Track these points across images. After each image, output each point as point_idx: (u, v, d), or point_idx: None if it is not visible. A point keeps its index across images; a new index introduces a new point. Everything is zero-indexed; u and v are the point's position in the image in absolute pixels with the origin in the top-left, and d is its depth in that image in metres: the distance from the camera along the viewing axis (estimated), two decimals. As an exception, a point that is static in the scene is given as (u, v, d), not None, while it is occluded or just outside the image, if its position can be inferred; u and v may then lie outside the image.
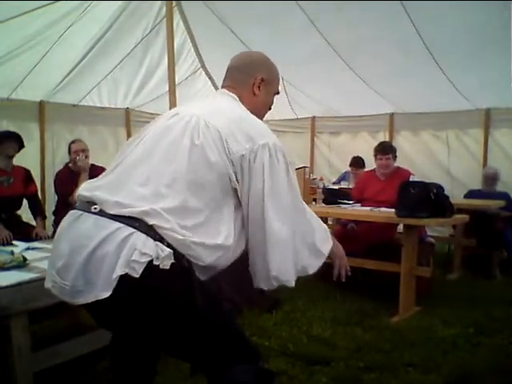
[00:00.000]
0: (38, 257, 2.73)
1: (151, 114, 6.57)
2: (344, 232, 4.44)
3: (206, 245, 1.43)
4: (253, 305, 3.51)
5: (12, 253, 2.58)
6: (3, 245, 3.32)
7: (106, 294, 1.32)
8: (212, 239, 1.45)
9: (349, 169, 5.97)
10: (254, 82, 1.72)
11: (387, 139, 6.46)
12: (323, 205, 4.38)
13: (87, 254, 1.35)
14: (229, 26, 5.24)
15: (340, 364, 2.71)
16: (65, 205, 4.26)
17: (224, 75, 1.79)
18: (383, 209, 3.95)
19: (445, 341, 3.07)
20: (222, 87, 1.76)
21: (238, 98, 1.69)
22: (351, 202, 4.35)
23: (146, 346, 1.70)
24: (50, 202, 4.88)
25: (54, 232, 4.18)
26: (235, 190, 1.50)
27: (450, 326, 3.34)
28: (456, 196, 5.20)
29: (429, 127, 6.49)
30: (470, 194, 5.50)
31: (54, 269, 1.46)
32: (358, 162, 5.76)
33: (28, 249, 2.91)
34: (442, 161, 6.38)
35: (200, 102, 1.85)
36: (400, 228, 3.99)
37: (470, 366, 2.69)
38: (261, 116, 1.73)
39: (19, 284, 2.26)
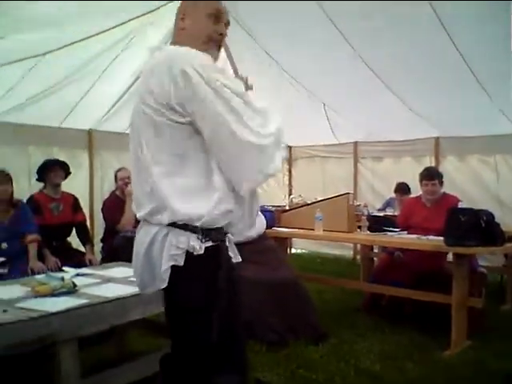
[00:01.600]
0: (88, 283, 2.78)
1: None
2: (391, 261, 4.32)
3: (196, 195, 1.51)
4: (299, 336, 3.44)
5: (62, 279, 2.63)
6: (53, 271, 3.40)
7: (164, 285, 1.54)
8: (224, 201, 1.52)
9: (393, 195, 5.85)
10: (177, 21, 1.68)
11: (433, 164, 6.31)
12: (368, 232, 4.29)
13: (142, 258, 1.61)
14: (268, 53, 5.31)
15: (390, 399, 2.61)
16: (113, 232, 4.37)
17: None
18: (431, 237, 3.82)
19: (498, 375, 2.94)
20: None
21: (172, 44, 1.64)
22: (397, 229, 4.24)
23: None
24: (99, 228, 5.00)
25: (103, 259, 4.29)
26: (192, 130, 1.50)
27: (503, 359, 3.18)
28: (507, 223, 4.99)
29: (476, 151, 6.30)
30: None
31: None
32: (403, 188, 5.64)
33: (78, 275, 2.97)
34: (491, 186, 6.15)
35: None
36: (449, 257, 3.85)
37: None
38: (206, 49, 1.59)
39: (68, 310, 2.29)
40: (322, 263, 6.97)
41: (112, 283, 2.81)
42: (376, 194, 7.11)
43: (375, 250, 5.42)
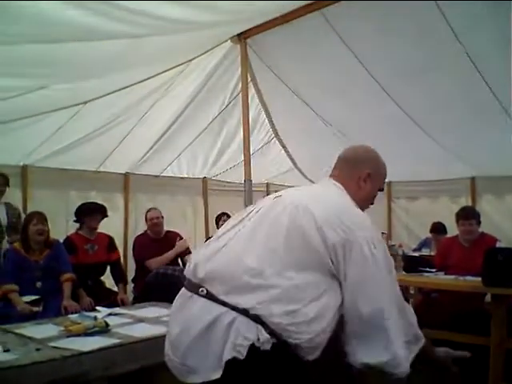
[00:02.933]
0: (120, 322, 2.81)
1: (227, 182, 6.82)
2: (427, 302, 4.20)
3: (299, 326, 1.46)
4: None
5: (95, 318, 2.67)
6: (87, 310, 3.45)
7: (217, 376, 1.42)
8: (312, 320, 1.48)
9: (429, 235, 5.74)
10: (360, 175, 1.80)
11: (469, 204, 6.18)
12: (404, 273, 4.19)
13: (194, 337, 1.48)
14: (301, 97, 5.40)
15: None
16: (142, 269, 4.44)
17: (334, 165, 1.90)
18: (468, 277, 3.71)
19: None
20: (330, 176, 1.86)
21: (343, 188, 1.75)
22: (434, 269, 4.13)
23: None
24: (131, 270, 5.08)
25: (135, 298, 4.33)
26: (333, 275, 1.53)
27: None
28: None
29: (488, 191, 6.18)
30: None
31: (168, 345, 1.61)
32: (439, 228, 5.53)
33: (110, 314, 3.01)
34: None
35: (306, 188, 1.92)
36: (488, 298, 3.72)
37: None
38: (362, 208, 1.76)
39: (101, 349, 2.32)
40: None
41: (144, 323, 2.84)
42: (411, 235, 6.99)
43: (411, 292, 5.27)
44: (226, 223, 1.81)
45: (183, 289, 1.67)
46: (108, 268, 4.49)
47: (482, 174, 6.24)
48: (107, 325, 2.63)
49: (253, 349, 1.41)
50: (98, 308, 3.26)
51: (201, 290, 1.56)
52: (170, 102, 5.00)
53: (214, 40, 4.44)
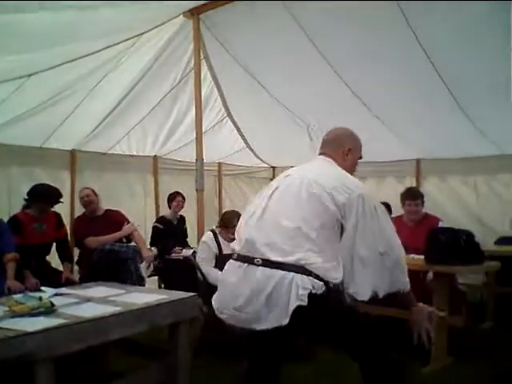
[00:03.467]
0: (66, 303, 2.75)
1: (178, 161, 6.73)
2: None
3: (334, 268, 1.99)
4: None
5: (40, 298, 2.60)
6: (32, 291, 3.35)
7: (286, 321, 1.90)
8: (335, 262, 2.01)
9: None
10: (343, 150, 2.34)
11: (414, 184, 6.40)
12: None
13: (266, 296, 1.94)
14: (254, 76, 5.38)
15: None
16: (85, 251, 4.33)
17: (320, 144, 2.45)
18: (412, 255, 3.86)
19: None
20: (320, 154, 2.39)
21: (334, 162, 2.29)
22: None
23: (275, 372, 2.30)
24: (76, 252, 4.94)
25: (81, 279, 4.24)
26: (341, 226, 2.04)
27: (482, 377, 3.22)
28: (486, 243, 5.07)
29: (456, 173, 6.42)
30: (501, 241, 5.35)
31: (230, 305, 2.06)
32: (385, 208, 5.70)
33: (56, 295, 2.94)
34: (471, 207, 6.26)
35: (306, 166, 2.36)
36: (430, 276, 3.88)
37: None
38: (350, 173, 2.27)
39: (46, 330, 2.27)
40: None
41: (91, 303, 2.79)
42: (359, 214, 7.16)
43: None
44: (254, 202, 2.32)
45: (234, 261, 2.13)
46: (53, 248, 4.34)
47: (426, 156, 6.46)
48: (52, 305, 2.57)
49: (311, 295, 1.89)
50: (43, 288, 3.17)
51: (256, 260, 2.01)
52: (120, 76, 4.85)
53: (166, 14, 4.33)
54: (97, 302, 2.80)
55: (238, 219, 3.66)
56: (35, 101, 4.56)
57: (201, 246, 3.97)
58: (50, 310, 2.53)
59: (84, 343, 2.38)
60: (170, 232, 5.38)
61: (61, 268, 4.34)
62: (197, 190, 4.52)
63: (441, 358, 3.46)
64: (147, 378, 2.74)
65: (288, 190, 2.14)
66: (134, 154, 6.34)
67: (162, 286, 5.30)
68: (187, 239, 5.70)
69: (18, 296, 2.77)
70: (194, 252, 4.50)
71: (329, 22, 4.16)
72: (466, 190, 6.34)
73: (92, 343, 2.42)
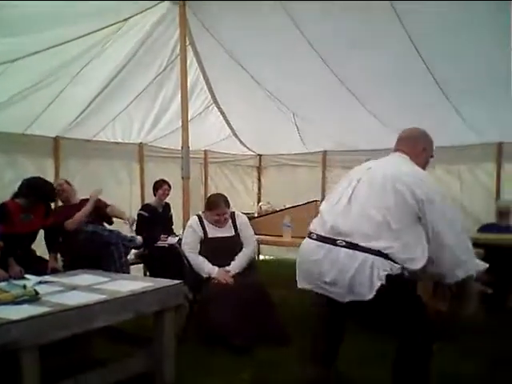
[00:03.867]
0: (51, 291, 2.74)
1: (164, 148, 6.69)
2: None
3: (411, 258, 2.29)
4: (264, 340, 3.46)
5: (24, 287, 2.58)
6: (16, 279, 3.32)
7: (371, 296, 2.25)
8: (413, 254, 2.30)
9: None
10: (419, 149, 2.64)
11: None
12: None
13: (351, 275, 2.27)
14: (240, 63, 5.35)
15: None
16: (66, 237, 4.32)
17: (396, 141, 2.73)
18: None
19: (464, 375, 3.02)
20: (396, 150, 2.67)
21: (409, 159, 2.58)
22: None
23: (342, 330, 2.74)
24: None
25: (64, 267, 4.22)
26: (419, 219, 2.33)
27: (468, 360, 3.28)
28: (470, 230, 5.14)
29: (441, 161, 6.46)
30: (485, 228, 5.43)
31: (319, 280, 2.41)
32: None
33: (40, 283, 2.92)
34: (455, 195, 6.33)
35: (384, 160, 2.64)
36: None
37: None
38: (423, 169, 2.59)
39: (30, 318, 2.26)
40: (290, 269, 6.97)
41: (76, 291, 2.78)
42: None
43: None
44: (335, 189, 2.63)
45: (312, 241, 2.47)
46: (40, 236, 4.30)
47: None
48: (37, 293, 2.56)
49: (388, 276, 2.23)
50: (27, 276, 3.15)
51: (339, 241, 2.33)
52: (105, 62, 4.78)
53: (151, -1, 4.27)
54: (82, 290, 2.79)
55: (225, 202, 3.76)
56: (18, 87, 4.48)
57: (186, 231, 3.98)
58: (34, 298, 2.52)
59: (68, 331, 2.38)
60: (155, 220, 5.37)
61: (46, 256, 4.31)
62: (182, 177, 4.50)
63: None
64: (132, 365, 2.75)
65: (373, 183, 2.42)
66: (120, 141, 6.29)
67: (148, 273, 5.30)
68: (173, 227, 5.69)
69: (1, 284, 2.74)
70: (180, 240, 4.51)
71: (316, 9, 4.14)
72: (450, 178, 6.41)
73: (76, 331, 2.42)
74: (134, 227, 4.65)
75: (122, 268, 4.07)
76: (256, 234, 4.47)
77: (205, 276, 3.73)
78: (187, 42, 4.80)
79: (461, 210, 6.06)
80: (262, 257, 7.93)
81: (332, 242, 2.35)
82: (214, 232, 3.90)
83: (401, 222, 2.30)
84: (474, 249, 3.85)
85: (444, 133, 5.80)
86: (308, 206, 4.48)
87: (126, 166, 6.45)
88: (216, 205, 3.93)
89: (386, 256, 2.26)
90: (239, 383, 2.86)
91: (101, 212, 4.58)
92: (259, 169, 8.41)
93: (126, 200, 6.14)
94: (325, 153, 7.54)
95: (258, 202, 7.24)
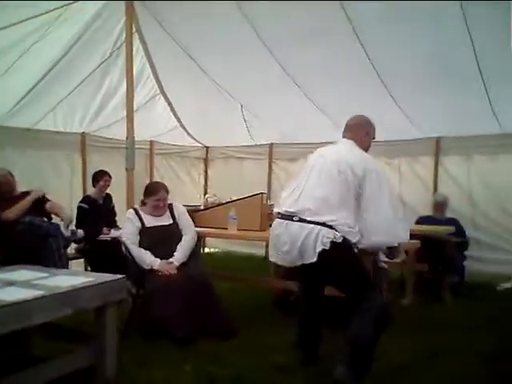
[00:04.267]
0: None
1: (108, 138, 6.52)
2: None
3: (351, 231, 2.74)
4: (208, 333, 3.48)
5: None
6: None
7: (314, 259, 2.70)
8: (353, 228, 2.75)
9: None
10: (362, 134, 3.07)
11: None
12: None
13: (300, 243, 2.73)
14: (188, 53, 5.29)
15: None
16: (2, 229, 4.16)
17: (344, 128, 3.15)
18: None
19: (400, 366, 3.10)
20: (344, 137, 3.09)
21: (355, 144, 2.99)
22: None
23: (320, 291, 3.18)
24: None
25: (1, 262, 4.04)
26: (358, 195, 2.77)
27: (404, 351, 3.38)
28: (408, 222, 5.35)
29: (381, 155, 6.68)
30: (421, 220, 5.67)
31: (279, 250, 2.87)
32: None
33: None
34: (395, 187, 6.55)
35: (333, 147, 3.06)
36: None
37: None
38: (366, 150, 3.03)
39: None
40: (235, 261, 7.06)
41: (14, 287, 2.68)
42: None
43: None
44: (299, 176, 2.99)
45: (278, 219, 2.89)
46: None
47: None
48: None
49: (332, 242, 2.66)
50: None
51: (294, 217, 2.78)
52: (46, 47, 4.58)
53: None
54: (20, 285, 2.69)
55: (164, 189, 3.73)
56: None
57: (125, 223, 3.94)
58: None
59: (6, 328, 2.30)
60: (96, 212, 5.24)
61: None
62: (127, 169, 4.43)
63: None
64: (73, 361, 2.69)
65: (323, 168, 2.85)
66: (61, 130, 6.08)
67: (88, 268, 5.18)
68: (116, 219, 5.58)
69: None
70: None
71: (264, 2, 4.16)
72: (390, 171, 6.62)
73: (14, 328, 2.34)
74: (71, 227, 4.47)
75: (61, 261, 3.96)
76: (202, 226, 4.48)
77: (146, 268, 3.70)
78: (133, 29, 4.70)
79: (400, 203, 6.31)
80: (207, 249, 7.94)
81: (289, 218, 2.80)
82: (151, 221, 3.89)
83: (343, 199, 2.75)
84: (412, 240, 4.09)
85: (385, 126, 5.99)
86: (254, 199, 4.50)
87: (67, 156, 6.23)
88: (156, 190, 3.96)
89: (330, 226, 2.69)
90: (182, 375, 2.86)
91: (41, 206, 4.42)
92: (206, 161, 8.38)
93: (66, 192, 5.94)
94: (271, 145, 7.60)
95: (205, 195, 7.21)
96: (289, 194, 2.94)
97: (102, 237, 5.03)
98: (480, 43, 4.19)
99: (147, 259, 3.72)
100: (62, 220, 4.30)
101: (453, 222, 5.53)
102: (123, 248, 3.88)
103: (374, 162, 2.89)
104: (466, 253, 5.57)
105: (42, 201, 4.41)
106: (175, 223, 3.98)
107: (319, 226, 2.69)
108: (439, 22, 4.12)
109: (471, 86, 4.82)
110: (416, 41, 4.36)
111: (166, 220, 3.96)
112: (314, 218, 2.72)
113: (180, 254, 3.81)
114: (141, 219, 3.89)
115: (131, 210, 3.99)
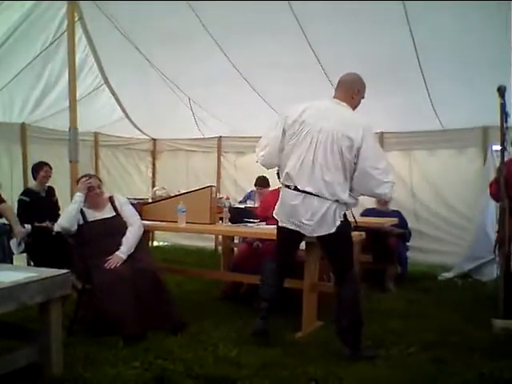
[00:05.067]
0: None
1: (50, 129, 6.28)
2: (250, 250, 4.52)
3: (351, 201, 3.17)
4: (157, 328, 3.43)
5: None
6: None
7: (334, 230, 3.09)
8: (356, 196, 3.20)
9: (254, 188, 6.08)
10: (353, 91, 3.20)
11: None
12: (229, 224, 4.41)
13: (321, 215, 3.07)
14: (133, 43, 5.18)
15: (245, 383, 2.72)
16: None
17: (337, 84, 3.27)
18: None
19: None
20: (335, 97, 3.21)
21: (346, 104, 3.16)
22: (257, 220, 4.43)
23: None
24: None
25: None
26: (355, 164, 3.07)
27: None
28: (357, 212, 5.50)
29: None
30: (366, 212, 5.83)
31: (296, 219, 3.14)
32: (263, 182, 5.89)
33: None
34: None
35: (326, 114, 3.12)
36: (303, 245, 4.12)
37: (370, 378, 2.81)
38: (355, 108, 3.22)
39: None
40: (185, 255, 7.01)
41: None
42: (238, 187, 7.37)
43: (236, 241, 5.60)
44: (293, 150, 3.13)
45: (292, 190, 3.13)
46: None
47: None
48: None
49: (344, 214, 3.14)
50: None
51: (311, 193, 3.07)
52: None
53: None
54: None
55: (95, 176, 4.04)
56: None
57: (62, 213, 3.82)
58: None
59: None
60: (38, 205, 5.03)
61: None
62: (70, 161, 4.29)
63: (311, 322, 3.71)
64: (17, 358, 2.59)
65: (326, 147, 3.03)
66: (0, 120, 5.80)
67: (31, 263, 4.98)
68: (60, 212, 5.38)
69: None
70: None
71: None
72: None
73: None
74: (22, 247, 4.26)
75: (7, 259, 3.80)
76: (150, 219, 4.41)
77: (77, 211, 3.71)
78: (76, 17, 4.54)
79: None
80: (156, 243, 7.83)
81: (307, 192, 3.07)
82: (93, 215, 3.79)
83: (346, 178, 3.07)
84: (357, 232, 4.21)
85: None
86: (203, 192, 4.47)
87: (7, 147, 5.96)
88: (85, 174, 4.01)
89: (342, 203, 3.08)
90: (131, 372, 2.81)
91: None
92: (154, 153, 8.25)
93: (6, 185, 5.67)
94: (220, 138, 7.58)
95: (153, 187, 7.11)
96: (297, 166, 3.10)
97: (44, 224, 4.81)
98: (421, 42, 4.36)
99: (73, 205, 3.73)
100: (12, 234, 4.06)
101: (396, 214, 5.72)
102: (56, 228, 3.76)
103: (365, 119, 3.14)
104: (408, 244, 5.79)
105: None
106: (118, 215, 3.89)
107: (335, 203, 3.06)
108: (381, 20, 4.24)
109: (412, 83, 5.01)
110: (358, 39, 4.47)
111: (108, 213, 3.86)
112: (330, 196, 3.05)
113: (125, 246, 3.71)
114: (82, 213, 3.77)
115: None
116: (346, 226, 3.17)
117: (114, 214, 3.88)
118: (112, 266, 3.54)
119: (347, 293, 3.17)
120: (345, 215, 3.16)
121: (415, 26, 4.18)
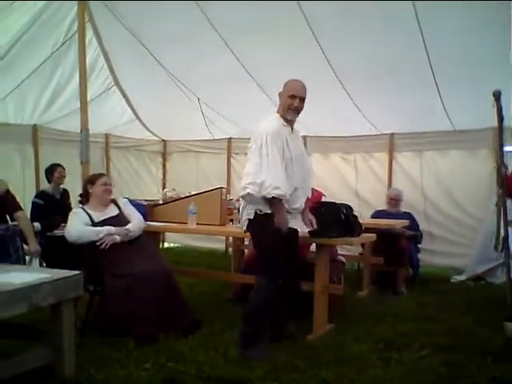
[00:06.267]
0: None
1: (61, 131, 6.33)
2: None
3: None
4: (171, 328, 3.43)
5: None
6: None
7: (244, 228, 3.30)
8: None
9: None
10: (280, 98, 3.33)
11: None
12: (239, 225, 4.40)
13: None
14: (143, 44, 5.20)
15: (256, 385, 2.71)
16: None
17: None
18: (298, 229, 4.06)
19: (357, 357, 3.15)
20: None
21: (276, 112, 3.34)
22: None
23: None
24: None
25: None
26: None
27: (361, 342, 3.45)
28: (363, 216, 5.48)
29: (338, 150, 6.81)
30: (377, 214, 5.80)
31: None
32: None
33: None
34: (351, 182, 6.70)
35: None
36: (313, 247, 4.10)
37: (382, 381, 2.79)
38: (288, 116, 3.28)
39: None
40: (195, 257, 7.02)
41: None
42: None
43: (246, 243, 5.60)
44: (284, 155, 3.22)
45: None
46: None
47: (311, 134, 6.73)
48: None
49: (256, 213, 3.22)
50: None
51: None
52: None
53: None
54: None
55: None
56: None
57: (70, 218, 3.80)
58: None
59: None
60: (52, 208, 5.05)
61: None
62: (81, 162, 4.31)
63: (322, 325, 3.69)
64: (30, 359, 2.60)
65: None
66: (11, 122, 5.85)
67: (44, 264, 5.00)
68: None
69: None
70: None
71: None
72: (346, 166, 6.76)
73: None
74: (37, 263, 4.24)
75: (19, 262, 3.81)
76: (161, 221, 4.42)
77: (97, 238, 3.62)
78: (86, 19, 4.57)
79: (356, 197, 6.47)
80: (166, 244, 7.85)
81: None
82: (99, 216, 3.81)
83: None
84: (367, 234, 4.19)
85: (341, 123, 6.11)
86: (213, 193, 4.47)
87: (19, 148, 6.02)
88: (100, 174, 4.01)
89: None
90: (142, 373, 2.82)
91: (7, 209, 4.06)
92: (164, 155, 8.27)
93: (18, 186, 5.71)
94: (230, 140, 7.58)
95: (163, 189, 7.12)
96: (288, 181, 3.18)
97: (59, 232, 4.85)
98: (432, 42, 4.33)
99: (94, 230, 3.67)
100: (27, 250, 4.05)
101: (407, 215, 5.68)
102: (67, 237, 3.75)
103: (263, 126, 3.23)
104: (419, 246, 5.75)
105: (8, 203, 4.05)
106: (122, 213, 3.95)
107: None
108: (392, 21, 4.22)
109: (423, 84, 4.97)
110: (369, 39, 4.45)
111: (112, 212, 3.91)
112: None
113: (133, 225, 3.81)
114: (89, 215, 3.79)
115: (78, 208, 3.91)
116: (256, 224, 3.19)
117: (118, 212, 3.93)
118: (105, 246, 3.59)
119: (250, 301, 3.30)
120: (256, 213, 3.17)
121: (426, 27, 4.15)
